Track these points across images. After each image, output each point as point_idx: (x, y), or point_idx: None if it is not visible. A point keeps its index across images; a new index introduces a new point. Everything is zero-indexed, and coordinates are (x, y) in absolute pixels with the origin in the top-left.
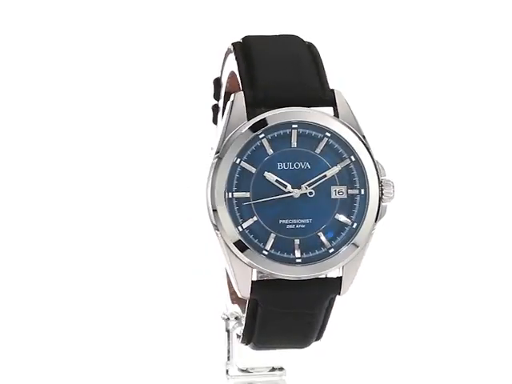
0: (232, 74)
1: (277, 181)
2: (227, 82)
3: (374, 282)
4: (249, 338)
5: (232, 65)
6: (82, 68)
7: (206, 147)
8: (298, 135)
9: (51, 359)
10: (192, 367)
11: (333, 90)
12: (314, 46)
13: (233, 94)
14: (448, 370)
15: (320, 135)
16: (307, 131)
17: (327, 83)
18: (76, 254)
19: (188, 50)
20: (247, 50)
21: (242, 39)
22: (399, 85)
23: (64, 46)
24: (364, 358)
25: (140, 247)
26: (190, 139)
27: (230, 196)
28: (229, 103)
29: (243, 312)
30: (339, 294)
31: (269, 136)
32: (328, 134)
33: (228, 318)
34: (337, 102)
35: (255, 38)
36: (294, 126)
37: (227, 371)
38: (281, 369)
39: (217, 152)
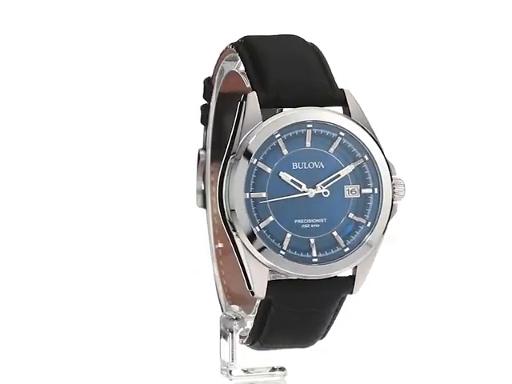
0: (231, 73)
1: (292, 181)
2: (222, 82)
3: (372, 281)
4: (255, 338)
5: (231, 64)
6: (71, 66)
7: (193, 147)
8: (313, 135)
9: (47, 361)
10: (189, 367)
11: (342, 90)
12: (317, 47)
13: (243, 95)
14: (448, 370)
15: (334, 134)
16: (321, 131)
17: (335, 83)
18: (72, 252)
19: (174, 51)
20: (252, 50)
21: (244, 39)
22: (397, 84)
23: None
24: (364, 357)
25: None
26: (177, 139)
27: (248, 196)
28: (240, 104)
29: (247, 312)
30: (351, 293)
31: (284, 136)
32: (342, 134)
33: (232, 319)
34: (348, 101)
35: (258, 37)
36: (308, 125)
37: (230, 372)
38: (281, 369)
39: (233, 153)
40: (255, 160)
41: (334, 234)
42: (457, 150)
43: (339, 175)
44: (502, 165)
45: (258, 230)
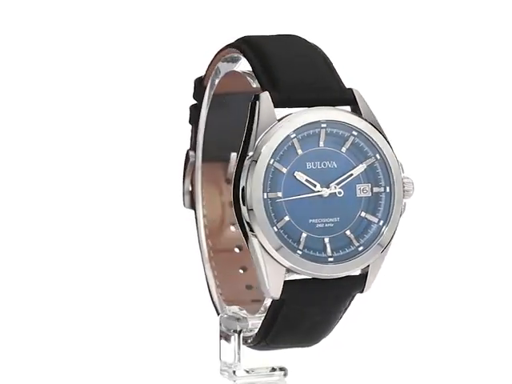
0: (228, 74)
1: (307, 180)
2: (218, 83)
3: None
4: (262, 338)
5: (229, 65)
6: (68, 65)
7: (181, 147)
8: (326, 134)
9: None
10: (186, 369)
11: (351, 89)
12: (319, 47)
13: (254, 95)
14: (449, 370)
15: (347, 134)
16: (335, 130)
17: (342, 82)
18: (61, 253)
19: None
20: (257, 49)
21: (245, 39)
22: (394, 84)
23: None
24: (364, 357)
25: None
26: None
27: (266, 196)
28: (252, 104)
29: (251, 313)
30: (362, 291)
31: (299, 136)
32: (354, 133)
33: (235, 319)
34: (357, 100)
35: (260, 37)
36: (323, 125)
37: (234, 372)
38: (281, 369)
39: (249, 154)
40: (272, 160)
41: (347, 233)
42: (456, 150)
43: (352, 174)
44: (502, 163)
45: (276, 229)
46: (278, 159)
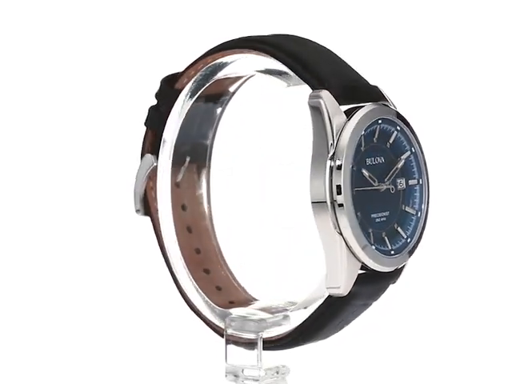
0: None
1: (369, 176)
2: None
3: None
4: (298, 335)
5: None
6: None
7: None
8: (379, 130)
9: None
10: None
11: (377, 86)
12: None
13: (310, 94)
14: (449, 370)
15: (392, 129)
16: (385, 126)
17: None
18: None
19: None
20: (283, 49)
21: (259, 39)
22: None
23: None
24: (364, 357)
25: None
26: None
27: (354, 193)
28: (315, 102)
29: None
30: (394, 283)
31: (365, 133)
32: (398, 128)
33: (259, 320)
34: (386, 97)
35: (270, 37)
36: (379, 121)
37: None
38: (283, 368)
39: (331, 153)
40: (350, 159)
41: (395, 226)
42: (456, 150)
43: (397, 168)
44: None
45: (360, 227)
46: (353, 157)
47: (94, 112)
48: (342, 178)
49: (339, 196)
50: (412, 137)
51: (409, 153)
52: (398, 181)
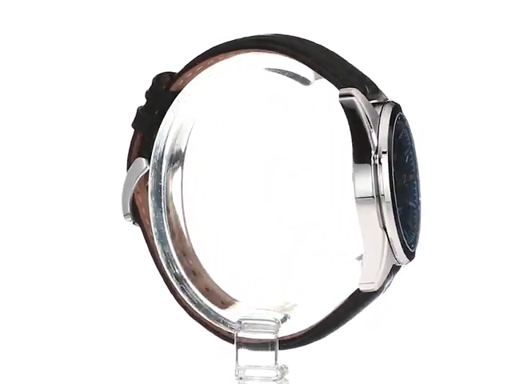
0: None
1: (402, 171)
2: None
3: None
4: (322, 331)
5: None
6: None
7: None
8: (399, 127)
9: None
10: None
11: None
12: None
13: (340, 94)
14: (449, 370)
15: (402, 125)
16: (400, 122)
17: None
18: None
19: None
20: (301, 49)
21: (271, 39)
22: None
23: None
24: (364, 358)
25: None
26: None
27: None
28: (348, 101)
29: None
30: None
31: (394, 130)
32: (407, 125)
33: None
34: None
35: (281, 37)
36: (399, 118)
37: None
38: (284, 367)
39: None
40: (391, 154)
41: (406, 220)
42: (457, 150)
43: (404, 164)
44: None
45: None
46: (392, 152)
47: (88, 112)
48: (388, 173)
49: (386, 191)
50: (409, 133)
51: (409, 149)
52: (403, 176)
